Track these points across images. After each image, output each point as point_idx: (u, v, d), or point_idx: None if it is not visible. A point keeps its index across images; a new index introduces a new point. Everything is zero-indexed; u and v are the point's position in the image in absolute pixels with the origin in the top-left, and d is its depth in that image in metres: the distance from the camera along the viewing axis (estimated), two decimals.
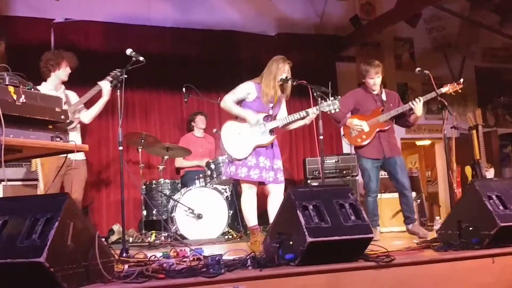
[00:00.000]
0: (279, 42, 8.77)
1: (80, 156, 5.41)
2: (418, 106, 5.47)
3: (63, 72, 5.36)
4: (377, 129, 5.60)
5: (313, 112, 4.75)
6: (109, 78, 5.05)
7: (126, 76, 4.69)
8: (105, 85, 5.12)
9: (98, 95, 5.25)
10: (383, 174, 6.11)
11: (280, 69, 4.79)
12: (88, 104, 5.46)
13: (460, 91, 5.64)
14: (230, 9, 8.77)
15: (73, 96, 5.49)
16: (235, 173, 4.76)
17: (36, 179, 6.27)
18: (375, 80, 5.63)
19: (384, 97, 5.76)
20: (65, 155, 4.81)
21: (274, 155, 4.90)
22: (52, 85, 5.33)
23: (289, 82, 4.80)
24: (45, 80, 5.35)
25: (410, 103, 5.53)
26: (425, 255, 3.75)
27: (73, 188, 5.31)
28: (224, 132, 4.86)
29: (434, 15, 9.92)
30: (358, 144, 5.66)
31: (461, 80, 5.66)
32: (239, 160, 4.74)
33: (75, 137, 5.20)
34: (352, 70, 9.53)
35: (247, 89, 4.86)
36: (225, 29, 8.59)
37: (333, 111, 4.75)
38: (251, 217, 4.85)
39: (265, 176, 4.77)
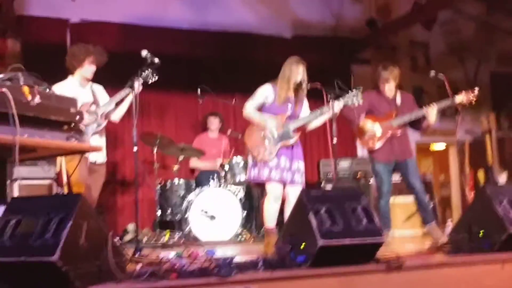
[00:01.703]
0: (295, 44, 8.77)
1: (101, 158, 5.27)
2: (432, 112, 5.40)
3: (87, 69, 5.12)
4: (390, 133, 5.58)
5: (336, 105, 4.74)
6: (141, 79, 4.92)
7: (142, 80, 4.77)
8: (136, 87, 4.89)
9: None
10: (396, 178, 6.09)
11: (294, 71, 4.80)
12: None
13: (473, 103, 5.53)
14: (246, 11, 8.80)
15: (100, 91, 5.31)
16: (257, 176, 4.76)
17: (51, 178, 6.34)
18: (386, 85, 5.61)
19: (398, 100, 5.71)
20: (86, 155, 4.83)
21: (293, 156, 4.85)
22: (77, 81, 5.15)
23: (303, 85, 4.81)
24: (72, 74, 5.18)
25: (424, 109, 5.47)
26: (435, 258, 3.75)
27: (91, 191, 5.19)
28: (248, 134, 4.87)
29: (450, 18, 9.86)
30: (370, 147, 5.64)
31: (476, 88, 5.54)
32: (265, 161, 4.74)
33: (99, 141, 5.11)
34: (368, 72, 9.49)
35: (264, 92, 4.87)
36: (241, 31, 8.60)
37: (356, 104, 4.76)
38: (270, 218, 4.80)
39: (285, 177, 4.76)
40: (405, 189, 6.11)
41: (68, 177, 4.84)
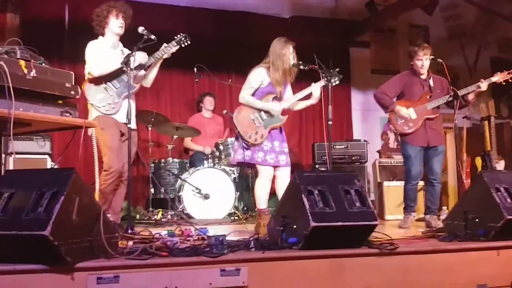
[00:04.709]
0: (293, 25, 8.70)
1: (134, 125, 4.90)
2: (483, 86, 5.37)
3: (115, 22, 4.79)
4: (425, 117, 5.48)
5: (316, 86, 4.78)
6: (174, 43, 4.79)
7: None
8: (169, 51, 4.81)
9: None
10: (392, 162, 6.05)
11: (285, 54, 4.79)
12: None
13: (511, 80, 5.52)
14: None
15: (137, 56, 4.85)
16: (251, 158, 4.76)
17: (46, 153, 6.34)
18: (423, 61, 5.47)
19: (431, 82, 5.60)
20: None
21: (283, 138, 4.93)
22: (110, 42, 4.85)
23: (301, 67, 4.78)
24: (103, 35, 4.89)
25: (474, 86, 5.42)
26: (429, 244, 3.74)
27: (124, 159, 4.77)
28: (237, 118, 4.82)
29: (451, 3, 9.76)
30: (404, 131, 5.52)
31: None
32: (256, 144, 4.74)
33: (132, 105, 4.65)
34: (366, 55, 9.46)
35: (260, 76, 4.84)
36: (238, 10, 8.53)
37: (334, 84, 4.72)
38: (262, 199, 4.84)
39: (279, 160, 4.80)
40: (399, 173, 6.08)
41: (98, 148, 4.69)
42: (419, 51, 5.47)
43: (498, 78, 5.48)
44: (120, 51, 4.94)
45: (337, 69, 4.80)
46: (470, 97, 5.52)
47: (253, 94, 4.88)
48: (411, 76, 5.63)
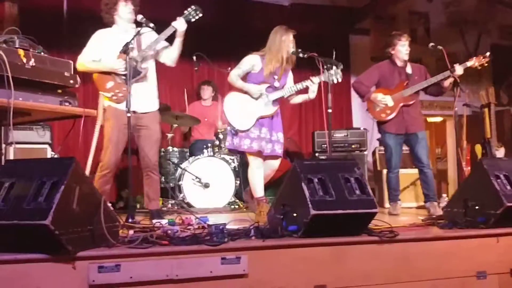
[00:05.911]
0: (293, 13, 8.67)
1: (149, 108, 4.88)
2: (458, 71, 5.31)
3: (125, 9, 4.72)
4: (401, 104, 5.51)
5: (315, 81, 4.76)
6: (183, 18, 4.70)
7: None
8: (180, 26, 4.71)
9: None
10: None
11: (285, 42, 4.77)
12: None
13: (486, 64, 5.49)
14: None
15: (148, 35, 4.80)
16: (238, 145, 4.80)
17: (46, 143, 6.33)
18: (407, 46, 5.55)
19: (409, 70, 5.64)
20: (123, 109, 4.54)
21: (273, 127, 4.90)
22: (122, 28, 4.78)
23: (300, 55, 4.76)
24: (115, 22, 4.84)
25: (448, 71, 5.35)
26: (429, 232, 3.76)
27: (145, 149, 4.88)
28: (226, 104, 4.86)
29: None
30: (382, 119, 5.58)
31: (488, 53, 5.50)
32: (242, 131, 4.76)
33: (146, 88, 4.82)
34: (366, 43, 9.42)
35: (251, 61, 4.87)
36: None
37: (335, 81, 4.70)
38: (257, 188, 4.86)
39: (264, 147, 4.80)
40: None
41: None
42: (402, 37, 5.56)
43: (473, 62, 5.43)
44: (134, 32, 4.73)
45: (340, 64, 4.74)
46: (446, 83, 5.50)
47: (245, 80, 4.89)
48: (389, 65, 5.68)
